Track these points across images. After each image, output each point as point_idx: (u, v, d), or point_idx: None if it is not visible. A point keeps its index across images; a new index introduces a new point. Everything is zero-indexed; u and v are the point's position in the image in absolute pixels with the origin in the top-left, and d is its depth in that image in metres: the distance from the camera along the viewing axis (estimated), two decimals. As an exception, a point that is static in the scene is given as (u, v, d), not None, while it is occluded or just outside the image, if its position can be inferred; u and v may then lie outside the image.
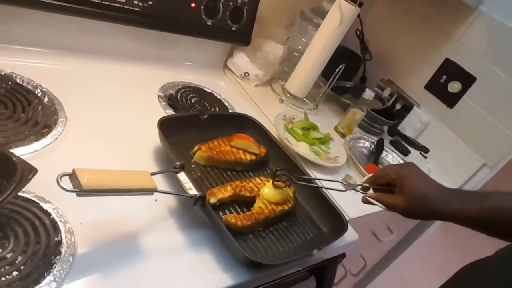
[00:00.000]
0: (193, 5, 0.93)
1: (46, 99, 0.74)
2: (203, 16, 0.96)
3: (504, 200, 0.57)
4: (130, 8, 0.84)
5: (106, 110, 0.81)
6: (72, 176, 0.49)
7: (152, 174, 0.58)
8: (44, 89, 0.75)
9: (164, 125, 0.74)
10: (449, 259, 2.35)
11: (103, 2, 0.80)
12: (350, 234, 0.83)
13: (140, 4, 0.84)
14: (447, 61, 1.29)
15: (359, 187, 0.70)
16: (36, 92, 0.74)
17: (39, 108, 0.71)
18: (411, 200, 0.60)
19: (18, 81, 0.74)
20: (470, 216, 0.58)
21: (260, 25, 1.13)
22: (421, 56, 1.37)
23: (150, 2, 0.86)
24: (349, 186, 0.71)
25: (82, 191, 0.48)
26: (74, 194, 0.48)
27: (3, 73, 0.74)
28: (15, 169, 0.48)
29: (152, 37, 0.95)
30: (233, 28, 1.03)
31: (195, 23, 0.96)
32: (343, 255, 0.87)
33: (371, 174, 0.69)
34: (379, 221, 1.21)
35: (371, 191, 0.69)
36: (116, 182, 0.53)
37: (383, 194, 0.66)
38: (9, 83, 0.73)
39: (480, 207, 0.57)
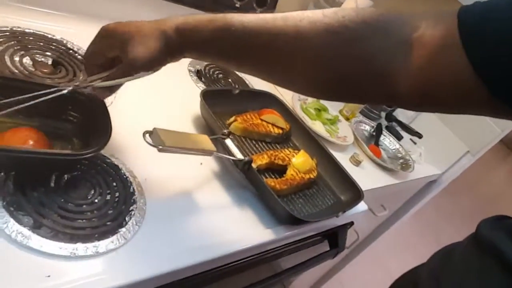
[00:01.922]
0: (226, -14, 0.99)
1: (95, 65, 0.79)
2: (233, -2, 1.02)
3: (234, 17, 0.48)
4: (172, -15, 0.89)
5: (146, 82, 0.86)
6: (153, 134, 0.56)
7: (206, 138, 0.66)
8: (93, 56, 0.80)
9: (205, 96, 0.81)
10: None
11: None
12: (361, 204, 0.94)
13: (181, -18, 0.90)
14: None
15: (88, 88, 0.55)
16: (88, 58, 0.78)
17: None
18: (139, 47, 0.49)
19: (69, 46, 0.79)
20: (204, 38, 0.49)
21: (276, 10, 1.20)
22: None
23: (190, -19, 0.91)
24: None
25: (163, 147, 0.55)
26: (138, 151, 0.56)
27: (55, 38, 0.78)
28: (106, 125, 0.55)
29: (183, 13, 1.00)
30: (258, 12, 1.09)
31: (224, 4, 1.02)
32: (351, 223, 0.98)
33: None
34: (374, 198, 1.34)
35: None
36: (187, 142, 0.60)
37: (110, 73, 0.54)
38: (63, 48, 0.77)
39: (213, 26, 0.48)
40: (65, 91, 0.52)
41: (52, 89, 0.51)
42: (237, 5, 1.03)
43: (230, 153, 0.71)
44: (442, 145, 1.43)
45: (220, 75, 1.04)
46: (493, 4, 0.38)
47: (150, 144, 0.55)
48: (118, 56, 0.52)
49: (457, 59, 0.38)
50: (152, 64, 0.51)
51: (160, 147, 0.55)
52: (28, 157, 0.48)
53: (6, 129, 0.52)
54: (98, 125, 0.56)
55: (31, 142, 0.49)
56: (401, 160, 1.26)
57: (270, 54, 0.47)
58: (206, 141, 0.65)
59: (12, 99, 0.48)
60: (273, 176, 0.80)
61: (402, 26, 0.43)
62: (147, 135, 0.56)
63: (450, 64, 0.39)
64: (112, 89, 0.56)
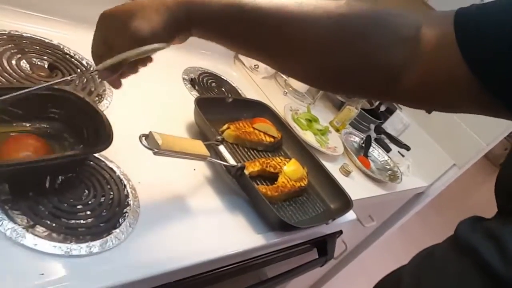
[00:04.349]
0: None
1: (92, 70, 0.80)
2: None
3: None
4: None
5: (142, 88, 0.88)
6: (149, 137, 0.57)
7: (200, 144, 0.67)
8: (89, 62, 0.81)
9: (199, 104, 0.82)
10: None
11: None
12: (350, 213, 0.95)
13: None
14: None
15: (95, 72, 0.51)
16: (84, 63, 0.80)
17: (89, 77, 0.77)
18: (142, 18, 0.46)
19: (66, 51, 0.80)
20: (213, 13, 0.46)
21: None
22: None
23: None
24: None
25: (159, 150, 0.57)
26: (133, 154, 0.57)
27: (52, 42, 0.79)
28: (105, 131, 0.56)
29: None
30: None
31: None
32: (340, 232, 1.00)
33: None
34: (362, 208, 1.36)
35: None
36: (182, 146, 0.61)
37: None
38: (60, 52, 0.78)
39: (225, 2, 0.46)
40: (75, 77, 0.54)
41: (61, 79, 0.52)
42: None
43: (223, 159, 0.72)
44: (429, 158, 1.47)
45: (214, 84, 1.06)
46: (488, 5, 0.41)
47: (146, 147, 0.56)
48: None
49: (453, 57, 0.41)
50: (155, 37, 0.47)
51: (156, 150, 0.56)
52: (38, 166, 0.49)
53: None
54: (86, 116, 0.57)
55: (33, 149, 0.50)
56: (389, 172, 1.29)
57: (279, 38, 0.47)
58: (200, 146, 0.66)
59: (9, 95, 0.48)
60: (264, 183, 0.81)
61: (404, 24, 0.45)
62: (143, 138, 0.57)
63: (446, 61, 0.42)
64: (114, 69, 0.50)
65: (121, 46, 0.47)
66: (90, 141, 0.55)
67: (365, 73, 0.46)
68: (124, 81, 0.86)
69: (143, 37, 0.46)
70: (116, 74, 0.51)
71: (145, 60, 0.54)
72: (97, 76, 0.54)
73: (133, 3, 0.47)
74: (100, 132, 0.54)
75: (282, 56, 0.49)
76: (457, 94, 0.43)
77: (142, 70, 0.94)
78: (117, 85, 0.54)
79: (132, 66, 0.53)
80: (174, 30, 0.48)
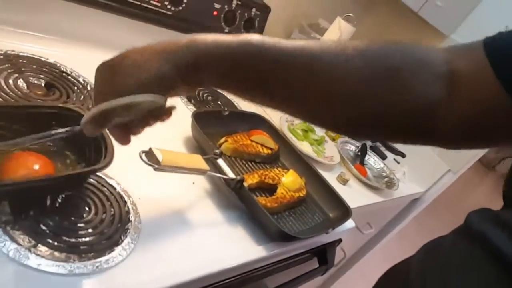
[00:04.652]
0: (215, 13, 1.03)
1: (88, 87, 0.80)
2: (222, 24, 1.06)
3: (264, 38, 0.42)
4: (164, 11, 0.92)
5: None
6: (149, 153, 0.58)
7: (198, 158, 0.68)
8: (86, 79, 0.82)
9: (196, 118, 0.83)
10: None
11: (142, 4, 0.88)
12: (349, 222, 0.96)
13: (173, 8, 0.93)
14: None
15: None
16: (81, 81, 0.80)
17: (87, 94, 0.78)
18: (140, 64, 0.43)
19: (62, 69, 0.80)
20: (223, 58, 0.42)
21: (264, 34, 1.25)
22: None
23: (181, 8, 0.95)
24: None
25: (160, 166, 0.57)
26: (132, 170, 0.58)
27: (48, 61, 0.80)
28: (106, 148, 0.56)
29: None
30: (245, 36, 1.13)
31: (215, 29, 1.05)
32: (340, 240, 1.00)
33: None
34: (360, 216, 1.36)
35: None
36: (182, 161, 0.62)
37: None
38: (57, 71, 0.79)
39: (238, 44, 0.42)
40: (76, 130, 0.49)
41: (64, 130, 0.50)
42: (226, 30, 1.07)
43: (222, 172, 0.73)
44: (424, 164, 1.48)
45: (210, 97, 1.07)
46: None
47: (147, 163, 0.56)
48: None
49: (491, 86, 0.39)
50: (151, 86, 0.42)
51: (156, 166, 0.57)
52: (41, 185, 0.49)
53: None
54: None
55: (36, 167, 0.50)
56: (386, 179, 1.30)
57: (305, 82, 0.42)
58: (199, 161, 0.66)
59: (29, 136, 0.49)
60: (263, 195, 0.82)
61: (435, 59, 0.42)
62: (143, 154, 0.57)
63: (485, 92, 0.40)
64: (98, 123, 0.46)
65: (107, 96, 0.43)
66: (92, 159, 0.55)
67: (403, 116, 0.42)
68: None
69: (136, 86, 0.42)
70: (102, 128, 0.48)
71: (158, 114, 0.50)
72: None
73: (133, 50, 0.44)
74: (101, 150, 0.54)
75: (308, 105, 0.44)
76: (499, 124, 0.41)
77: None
78: (124, 141, 0.50)
79: (142, 120, 0.49)
80: (180, 78, 0.44)
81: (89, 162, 0.56)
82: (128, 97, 0.42)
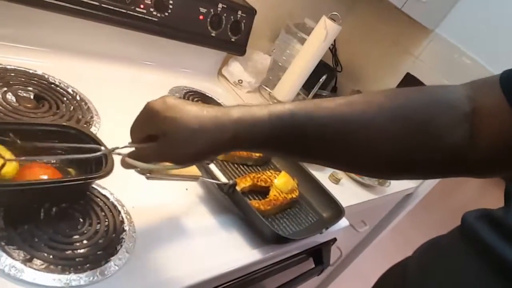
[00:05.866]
0: (201, 17, 1.03)
1: (78, 98, 0.80)
2: (208, 28, 1.06)
3: (295, 110, 0.45)
4: (150, 18, 0.92)
5: (130, 112, 0.88)
6: (141, 162, 0.58)
7: (191, 164, 0.68)
8: (75, 89, 0.81)
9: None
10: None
11: (127, 12, 0.88)
12: (343, 220, 0.97)
13: (158, 14, 0.93)
14: (408, 75, 1.50)
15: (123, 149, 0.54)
16: (70, 91, 0.80)
17: (76, 105, 0.78)
18: (179, 146, 0.46)
19: (51, 80, 0.80)
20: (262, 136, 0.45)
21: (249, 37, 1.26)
22: (386, 69, 1.56)
23: (167, 14, 0.95)
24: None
25: (152, 175, 0.57)
26: (125, 179, 0.58)
27: (37, 72, 0.79)
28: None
29: (162, 44, 1.03)
30: (232, 40, 1.14)
31: (201, 34, 1.06)
32: (334, 239, 1.01)
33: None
34: (354, 214, 1.37)
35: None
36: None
37: (141, 148, 0.51)
38: (45, 82, 0.78)
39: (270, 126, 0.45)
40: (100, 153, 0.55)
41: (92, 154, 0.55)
42: (213, 34, 1.07)
43: (214, 177, 0.73)
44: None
45: (199, 101, 1.07)
46: None
47: (139, 172, 0.57)
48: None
49: (510, 122, 0.42)
50: (194, 163, 0.52)
51: (148, 174, 0.57)
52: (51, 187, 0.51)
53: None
54: (91, 150, 0.58)
55: (46, 177, 0.51)
56: (377, 176, 1.31)
57: (339, 144, 0.46)
58: (191, 167, 0.67)
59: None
60: (256, 198, 0.82)
61: (458, 99, 0.46)
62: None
63: (506, 128, 0.43)
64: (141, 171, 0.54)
65: (150, 147, 0.49)
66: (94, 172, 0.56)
67: (434, 158, 0.46)
68: (111, 106, 0.87)
69: (172, 159, 0.50)
70: (130, 166, 0.54)
71: None
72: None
73: (179, 112, 0.45)
74: (101, 164, 0.55)
75: (344, 158, 0.49)
76: None
77: (128, 95, 0.95)
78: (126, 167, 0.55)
79: None
80: (213, 154, 0.49)
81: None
82: (178, 167, 0.53)
